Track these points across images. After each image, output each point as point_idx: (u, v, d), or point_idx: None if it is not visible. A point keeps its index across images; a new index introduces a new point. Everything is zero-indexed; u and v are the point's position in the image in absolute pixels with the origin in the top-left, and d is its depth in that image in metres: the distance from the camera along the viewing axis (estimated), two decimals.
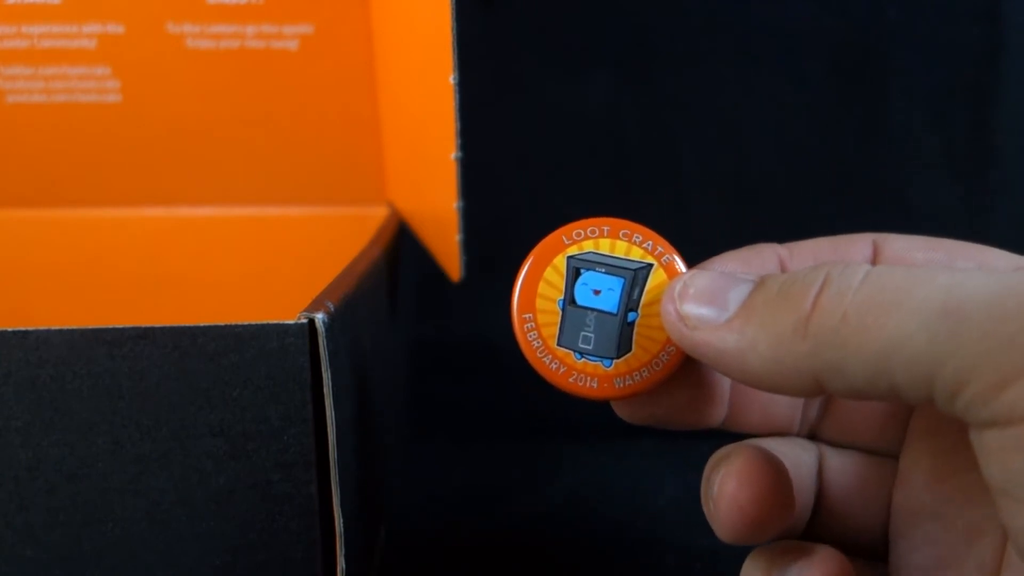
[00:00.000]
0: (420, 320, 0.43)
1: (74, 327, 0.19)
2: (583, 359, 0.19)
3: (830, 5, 0.42)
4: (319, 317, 0.19)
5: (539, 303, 0.19)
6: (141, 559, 0.20)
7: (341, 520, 0.20)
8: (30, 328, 0.19)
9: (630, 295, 0.19)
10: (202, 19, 0.34)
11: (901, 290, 0.14)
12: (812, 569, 0.18)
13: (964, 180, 0.43)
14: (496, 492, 0.36)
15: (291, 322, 0.19)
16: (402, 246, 0.34)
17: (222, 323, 0.19)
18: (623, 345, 0.19)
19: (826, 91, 0.43)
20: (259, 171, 0.37)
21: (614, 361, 0.19)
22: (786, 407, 0.21)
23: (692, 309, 0.17)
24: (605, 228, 0.19)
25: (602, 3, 0.42)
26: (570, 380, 0.19)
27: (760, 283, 0.17)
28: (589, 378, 0.19)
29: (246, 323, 0.19)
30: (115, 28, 0.34)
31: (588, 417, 0.30)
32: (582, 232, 0.19)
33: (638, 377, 0.19)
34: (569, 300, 0.19)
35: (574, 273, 0.19)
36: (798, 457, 0.20)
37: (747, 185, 0.43)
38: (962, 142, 0.43)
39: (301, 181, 0.37)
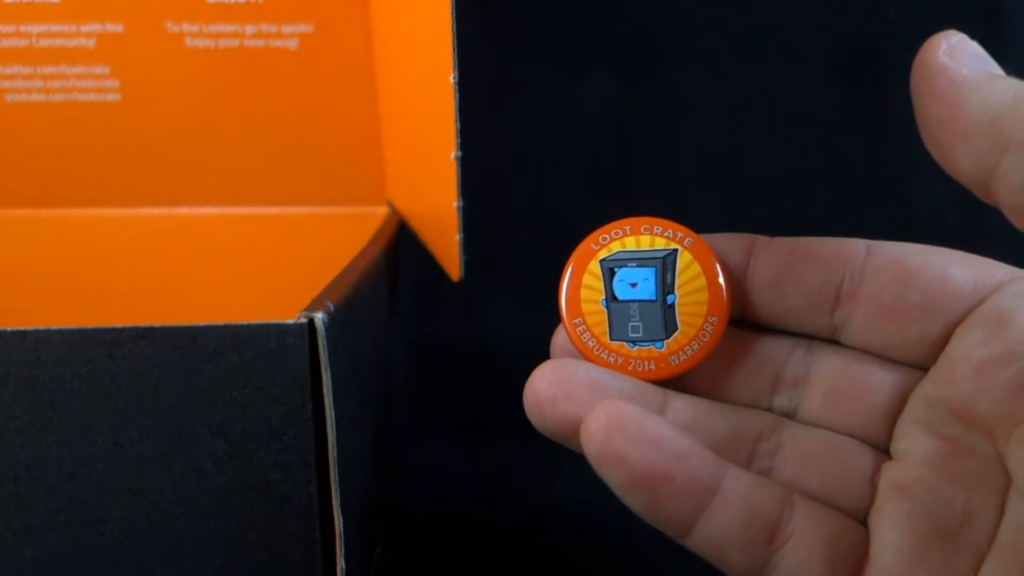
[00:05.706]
0: (420, 320, 0.43)
1: (74, 327, 0.19)
2: (636, 347, 0.20)
3: (830, 5, 0.42)
4: (319, 317, 0.19)
5: (584, 307, 0.21)
6: (141, 559, 0.20)
7: (341, 520, 0.20)
8: (30, 328, 0.19)
9: (664, 280, 0.21)
10: (201, 18, 0.34)
11: None
12: None
13: None
14: (496, 492, 0.36)
15: (291, 322, 0.19)
16: (402, 246, 0.34)
17: (222, 323, 0.19)
18: (669, 326, 0.20)
19: (826, 91, 0.43)
20: (259, 171, 0.37)
21: (665, 342, 0.20)
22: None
23: (957, 58, 0.18)
24: (627, 227, 0.21)
25: (602, 3, 0.42)
26: (629, 368, 0.20)
27: None
28: (646, 362, 0.20)
29: (246, 323, 0.19)
30: (114, 27, 0.34)
31: None
32: (607, 236, 0.21)
33: (690, 351, 0.20)
34: (611, 298, 0.21)
35: (609, 273, 0.21)
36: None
37: (747, 185, 0.43)
38: None
39: (301, 181, 0.37)
